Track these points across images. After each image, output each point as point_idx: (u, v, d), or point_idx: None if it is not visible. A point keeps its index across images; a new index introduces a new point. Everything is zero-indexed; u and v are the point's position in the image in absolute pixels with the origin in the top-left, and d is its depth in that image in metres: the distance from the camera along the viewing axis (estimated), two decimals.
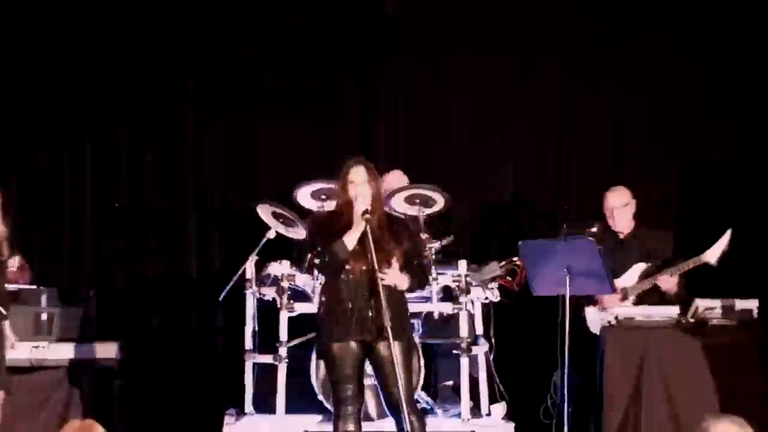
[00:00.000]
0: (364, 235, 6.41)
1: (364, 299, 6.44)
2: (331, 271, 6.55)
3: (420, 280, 6.71)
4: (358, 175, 6.52)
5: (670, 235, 8.09)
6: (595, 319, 7.87)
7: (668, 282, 7.76)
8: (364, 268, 6.45)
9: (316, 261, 6.71)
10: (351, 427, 6.48)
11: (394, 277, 6.44)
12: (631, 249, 8.02)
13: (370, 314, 6.43)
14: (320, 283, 7.76)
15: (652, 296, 7.85)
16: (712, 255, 7.64)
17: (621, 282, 7.88)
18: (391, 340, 6.31)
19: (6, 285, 7.25)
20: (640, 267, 7.91)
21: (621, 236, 8.07)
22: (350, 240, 6.44)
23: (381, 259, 6.41)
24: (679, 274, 7.77)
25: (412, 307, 7.19)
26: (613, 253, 7.92)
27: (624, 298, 7.86)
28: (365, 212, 6.43)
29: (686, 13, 9.22)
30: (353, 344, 6.47)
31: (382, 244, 6.45)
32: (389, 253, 6.48)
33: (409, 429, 6.35)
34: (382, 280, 6.36)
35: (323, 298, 6.65)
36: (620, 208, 8.06)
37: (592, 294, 7.73)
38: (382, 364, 6.47)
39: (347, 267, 6.47)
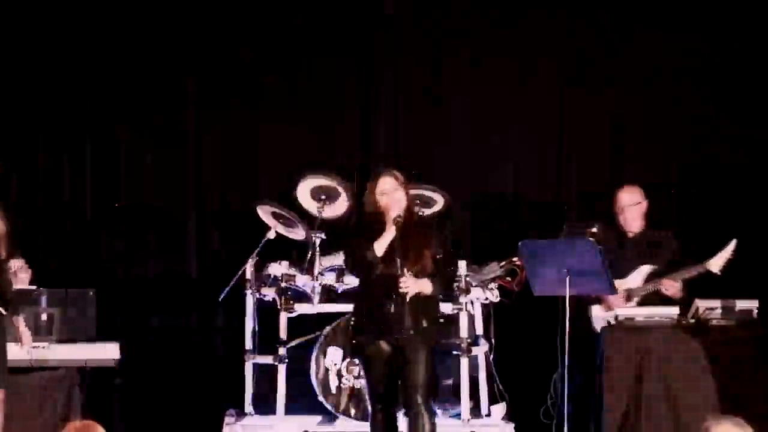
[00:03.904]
0: (394, 239, 6.54)
1: (395, 302, 6.55)
2: (362, 275, 6.72)
3: (447, 284, 6.92)
4: (387, 184, 6.67)
5: (678, 243, 7.99)
6: (600, 318, 7.85)
7: (672, 287, 7.72)
8: (394, 271, 6.53)
9: (348, 265, 6.95)
10: (384, 426, 6.62)
11: (412, 284, 6.53)
12: (637, 249, 7.97)
13: (400, 316, 6.54)
14: (320, 284, 7.85)
15: (655, 298, 7.80)
16: (716, 264, 7.59)
17: (626, 283, 7.84)
18: (415, 343, 6.48)
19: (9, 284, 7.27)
20: (646, 268, 7.86)
21: (630, 235, 8.02)
22: (380, 246, 6.58)
23: (412, 262, 6.55)
24: (682, 280, 7.74)
25: None
26: (618, 253, 7.90)
27: (629, 299, 7.82)
28: (397, 218, 6.56)
29: (686, 13, 9.22)
30: (385, 345, 6.61)
31: (415, 248, 6.58)
32: (420, 256, 6.60)
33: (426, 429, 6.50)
34: (401, 288, 6.47)
35: (358, 299, 6.83)
36: (632, 206, 8.00)
37: (596, 294, 7.71)
38: (405, 364, 6.56)
39: (378, 271, 6.58)
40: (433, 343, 6.71)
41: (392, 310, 6.55)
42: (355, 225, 6.94)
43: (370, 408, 6.78)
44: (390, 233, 6.57)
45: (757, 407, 7.08)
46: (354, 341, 6.79)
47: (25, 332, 7.35)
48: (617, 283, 7.77)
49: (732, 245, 7.59)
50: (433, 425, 6.60)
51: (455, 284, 7.78)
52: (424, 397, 6.54)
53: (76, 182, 9.48)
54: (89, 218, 9.48)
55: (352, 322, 6.90)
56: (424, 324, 6.60)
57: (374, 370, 6.65)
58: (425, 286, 6.61)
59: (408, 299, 6.53)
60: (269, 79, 9.47)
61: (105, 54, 9.38)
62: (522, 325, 8.59)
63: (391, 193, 6.64)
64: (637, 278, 7.87)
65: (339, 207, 8.26)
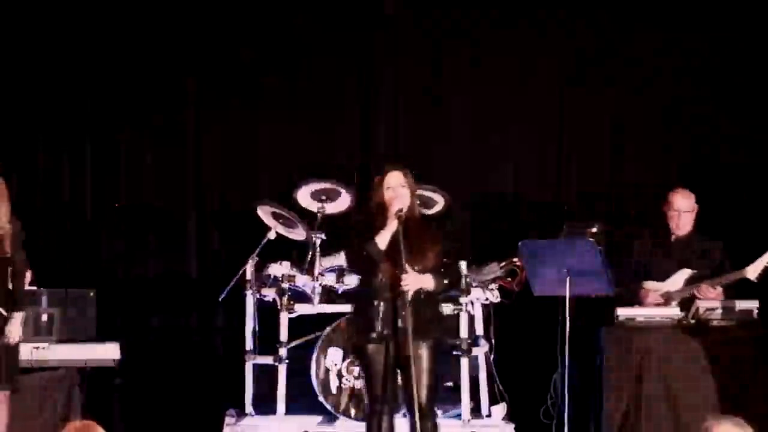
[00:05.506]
0: (396, 235, 6.46)
1: (394, 300, 6.46)
2: (364, 271, 6.64)
3: (455, 280, 6.84)
4: (394, 179, 6.61)
5: (720, 245, 7.98)
6: None
7: (709, 293, 7.67)
8: (396, 268, 6.47)
9: (351, 261, 6.86)
10: (383, 425, 6.54)
11: (413, 281, 6.46)
12: (682, 252, 7.93)
13: (399, 315, 6.44)
14: (321, 284, 7.84)
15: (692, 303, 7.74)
16: (753, 271, 7.53)
17: (666, 285, 7.81)
18: (411, 343, 6.36)
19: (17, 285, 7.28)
20: (686, 272, 7.82)
21: (673, 238, 7.98)
22: (382, 239, 6.49)
23: (416, 259, 6.48)
24: (721, 286, 7.69)
25: None
26: (661, 255, 7.89)
27: (667, 302, 7.81)
28: (399, 211, 6.49)
29: (686, 13, 9.22)
30: (384, 344, 6.49)
31: (417, 244, 6.51)
32: (424, 253, 6.53)
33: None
34: (403, 286, 6.40)
35: (358, 297, 6.75)
36: (687, 212, 7.96)
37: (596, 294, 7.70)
38: (406, 365, 6.48)
39: (381, 267, 6.51)
40: (437, 340, 6.61)
41: (393, 308, 6.45)
42: (357, 221, 6.87)
43: (367, 409, 6.68)
44: (391, 227, 6.48)
45: (757, 407, 7.09)
46: (354, 341, 6.72)
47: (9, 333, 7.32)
48: (658, 285, 7.79)
49: None
50: (435, 426, 6.55)
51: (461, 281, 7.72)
52: (427, 398, 6.47)
53: (76, 182, 9.49)
54: (89, 218, 9.49)
55: (352, 322, 6.83)
56: (426, 322, 6.50)
57: (374, 372, 6.53)
58: (427, 282, 6.52)
59: (410, 297, 6.40)
60: (269, 79, 9.48)
61: (105, 54, 9.39)
62: (522, 325, 8.60)
63: (395, 188, 6.58)
64: (677, 281, 7.84)
65: (341, 203, 8.27)
